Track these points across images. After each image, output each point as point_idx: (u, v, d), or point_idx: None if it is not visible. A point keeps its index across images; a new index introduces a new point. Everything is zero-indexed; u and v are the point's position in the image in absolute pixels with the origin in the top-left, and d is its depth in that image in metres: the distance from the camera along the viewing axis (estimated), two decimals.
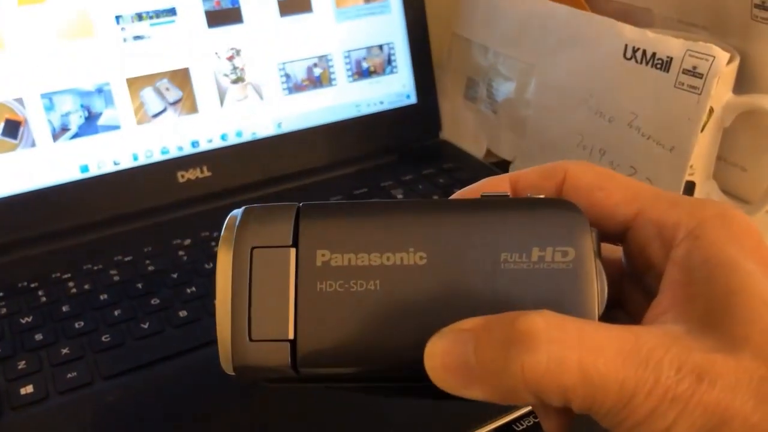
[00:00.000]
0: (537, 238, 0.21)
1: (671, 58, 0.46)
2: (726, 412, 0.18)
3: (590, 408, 0.19)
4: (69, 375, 0.40)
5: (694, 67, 0.44)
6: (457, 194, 0.27)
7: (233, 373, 0.22)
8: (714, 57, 0.44)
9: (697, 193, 0.53)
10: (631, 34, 0.48)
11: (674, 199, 0.23)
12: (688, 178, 0.48)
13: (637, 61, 0.48)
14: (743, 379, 0.18)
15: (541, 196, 0.23)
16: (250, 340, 0.21)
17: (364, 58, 0.63)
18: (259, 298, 0.21)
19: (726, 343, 0.18)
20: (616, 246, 0.25)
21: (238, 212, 0.23)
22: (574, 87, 0.53)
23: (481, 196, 0.24)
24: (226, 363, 0.22)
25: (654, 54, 0.47)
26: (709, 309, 0.20)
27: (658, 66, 0.47)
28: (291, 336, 0.21)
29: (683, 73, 0.45)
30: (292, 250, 0.22)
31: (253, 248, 0.22)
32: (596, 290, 0.21)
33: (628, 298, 0.25)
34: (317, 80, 0.61)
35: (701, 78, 0.44)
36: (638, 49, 0.48)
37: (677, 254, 0.21)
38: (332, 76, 0.62)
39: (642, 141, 0.48)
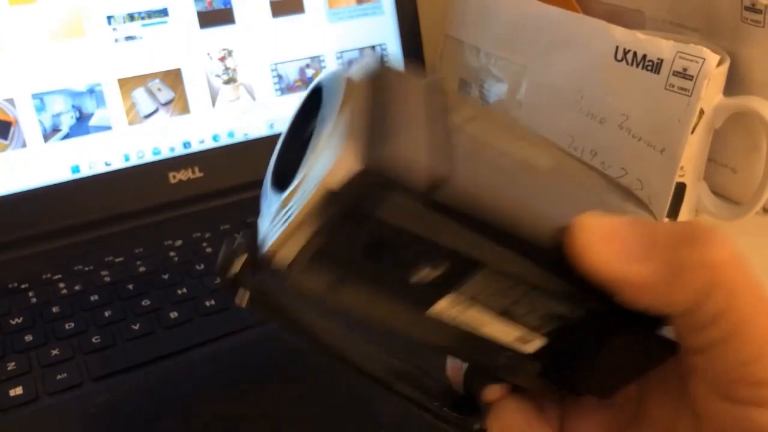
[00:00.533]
0: None
1: (662, 60, 0.46)
2: None
3: (726, 314, 0.18)
4: (59, 376, 0.40)
5: (685, 69, 0.45)
6: None
7: (355, 178, 0.16)
8: (704, 59, 0.44)
9: (688, 194, 0.53)
10: (621, 35, 0.49)
11: None
12: (678, 179, 0.48)
13: (627, 63, 0.48)
14: None
15: None
16: (390, 147, 0.17)
17: (357, 59, 0.63)
18: (408, 120, 0.18)
19: None
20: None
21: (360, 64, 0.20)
22: (566, 88, 0.53)
23: None
24: (350, 161, 0.16)
25: (645, 56, 0.47)
26: None
27: (649, 68, 0.47)
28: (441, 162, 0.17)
29: (673, 74, 0.45)
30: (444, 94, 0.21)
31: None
32: None
33: None
34: (310, 81, 0.61)
35: (691, 80, 0.44)
36: (629, 50, 0.48)
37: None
38: None
39: (633, 142, 0.48)
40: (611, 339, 0.21)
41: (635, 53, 0.47)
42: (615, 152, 0.50)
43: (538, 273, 0.19)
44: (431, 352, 0.22)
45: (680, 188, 0.50)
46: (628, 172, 0.49)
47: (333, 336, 0.23)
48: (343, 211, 0.17)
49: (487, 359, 0.22)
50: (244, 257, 0.19)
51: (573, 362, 0.22)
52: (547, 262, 0.19)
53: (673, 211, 0.52)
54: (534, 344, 0.21)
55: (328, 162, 0.17)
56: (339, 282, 0.19)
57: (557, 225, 0.18)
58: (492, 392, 0.24)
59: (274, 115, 0.60)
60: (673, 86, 0.45)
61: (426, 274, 0.19)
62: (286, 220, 0.18)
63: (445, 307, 0.20)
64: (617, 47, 0.49)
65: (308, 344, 0.22)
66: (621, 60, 0.48)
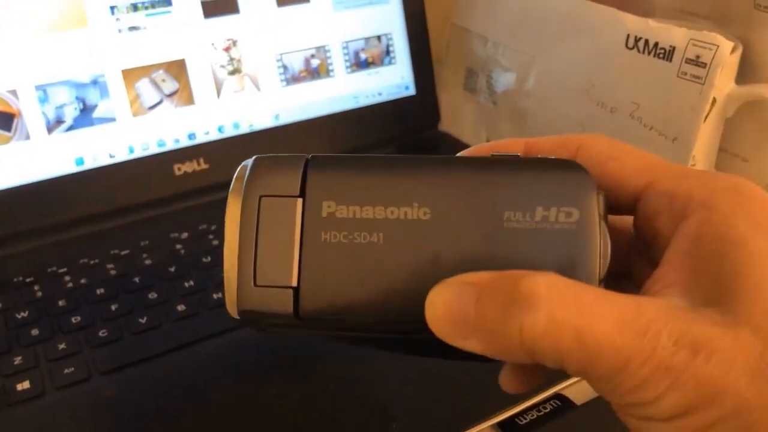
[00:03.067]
0: (541, 197, 0.21)
1: (674, 48, 0.45)
2: (719, 386, 0.18)
3: (585, 372, 0.19)
4: (66, 370, 0.40)
5: (698, 57, 0.44)
6: (469, 150, 0.27)
7: (238, 317, 0.22)
8: (718, 46, 0.43)
9: None
10: (633, 23, 0.48)
11: (687, 172, 0.23)
12: None
13: (639, 51, 0.47)
14: (740, 356, 0.18)
15: (551, 157, 0.23)
16: (255, 285, 0.22)
17: (363, 49, 0.63)
18: (266, 245, 0.22)
19: (727, 319, 0.18)
20: (627, 217, 0.25)
21: (248, 162, 0.23)
22: (575, 77, 0.52)
23: (492, 155, 0.23)
24: (231, 307, 0.22)
25: (656, 43, 0.46)
26: (714, 285, 0.19)
27: (661, 55, 0.46)
28: (294, 283, 0.21)
29: (686, 62, 0.45)
30: (299, 201, 0.22)
31: (261, 197, 0.22)
32: (599, 252, 0.21)
33: (636, 269, 0.25)
34: (315, 71, 0.61)
35: (704, 67, 0.44)
36: (640, 38, 0.47)
37: (687, 226, 0.21)
38: (330, 68, 0.61)
39: (644, 132, 0.48)
40: None
41: (647, 41, 0.47)
42: (626, 141, 0.49)
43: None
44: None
45: None
46: None
47: None
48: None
49: None
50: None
51: None
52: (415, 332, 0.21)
53: None
54: None
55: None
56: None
57: (413, 302, 0.21)
58: None
59: (279, 106, 0.60)
60: (685, 74, 0.45)
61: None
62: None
63: None
64: (628, 35, 0.48)
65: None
66: (632, 48, 0.48)
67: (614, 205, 0.24)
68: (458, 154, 0.26)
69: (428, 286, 0.20)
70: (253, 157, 0.23)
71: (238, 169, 0.23)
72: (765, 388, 0.18)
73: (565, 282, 0.19)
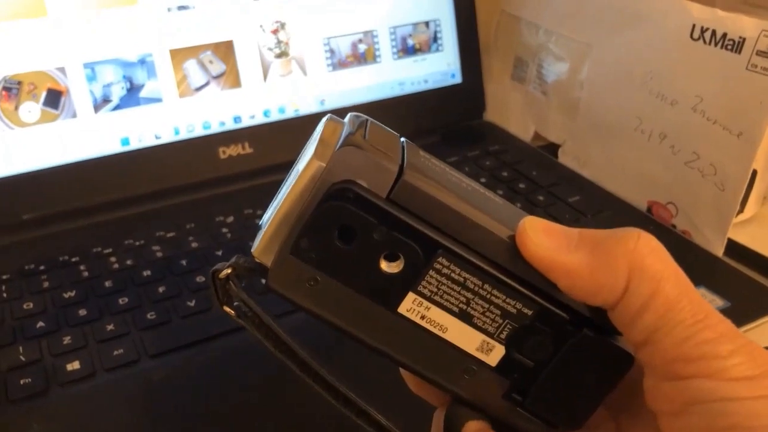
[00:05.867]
0: None
1: (744, 39, 0.44)
2: None
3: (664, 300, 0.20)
4: (115, 352, 0.39)
5: None
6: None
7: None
8: None
9: (758, 180, 0.51)
10: (699, 13, 0.46)
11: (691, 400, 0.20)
12: None
13: (705, 42, 0.46)
14: None
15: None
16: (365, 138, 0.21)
17: (410, 35, 0.61)
18: None
19: None
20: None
21: (342, 130, 0.22)
22: (633, 68, 0.51)
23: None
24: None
25: (725, 34, 0.44)
26: None
27: (729, 47, 0.44)
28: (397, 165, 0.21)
29: (757, 54, 0.43)
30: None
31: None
32: None
33: None
34: (362, 57, 0.60)
35: None
36: (707, 29, 0.45)
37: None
38: (377, 53, 0.60)
39: (707, 125, 0.46)
40: (565, 346, 0.22)
41: (714, 31, 0.45)
42: (687, 136, 0.48)
43: (489, 264, 0.21)
44: (402, 366, 0.23)
45: (751, 174, 0.48)
46: (700, 157, 0.47)
47: None
48: (317, 201, 0.20)
49: (455, 375, 0.23)
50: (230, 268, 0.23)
51: (536, 378, 0.23)
52: (499, 253, 0.21)
53: (743, 198, 0.49)
54: (496, 353, 0.22)
55: (302, 165, 0.21)
56: (317, 280, 0.21)
57: (503, 226, 0.21)
58: (472, 427, 0.23)
59: (325, 91, 0.59)
60: (755, 66, 0.43)
61: (391, 266, 0.21)
62: (267, 223, 0.22)
63: (410, 306, 0.22)
64: (694, 25, 0.46)
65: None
66: (698, 39, 0.46)
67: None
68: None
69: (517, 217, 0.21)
70: (345, 135, 0.21)
71: (324, 126, 0.22)
72: None
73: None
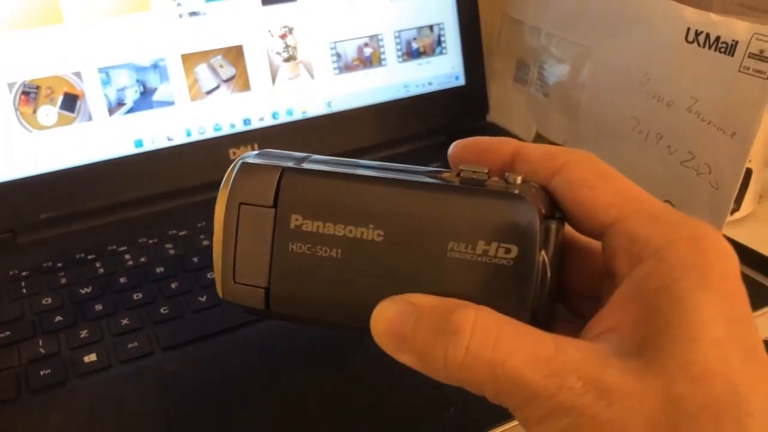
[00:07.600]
0: (484, 232, 0.23)
1: (736, 42, 0.45)
2: (614, 431, 0.19)
3: (501, 401, 0.21)
4: (130, 345, 0.41)
5: (761, 51, 0.44)
6: (458, 145, 0.27)
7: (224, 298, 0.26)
8: None
9: (753, 179, 0.52)
10: (693, 16, 0.47)
11: (655, 214, 0.23)
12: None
13: (699, 45, 0.47)
14: (643, 406, 0.19)
15: (500, 188, 0.23)
16: (234, 282, 0.25)
17: (414, 38, 0.63)
18: (243, 248, 0.25)
19: (644, 370, 0.19)
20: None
21: (236, 164, 0.25)
22: (631, 70, 0.52)
23: (459, 169, 0.24)
24: (219, 292, 0.26)
25: (718, 37, 0.46)
26: (647, 336, 0.20)
27: (722, 50, 0.46)
28: (265, 284, 0.25)
29: (749, 57, 0.44)
30: (272, 211, 0.25)
31: (240, 204, 0.25)
32: (533, 289, 0.22)
33: (605, 293, 0.25)
34: (368, 60, 0.61)
35: None
36: (701, 32, 0.47)
37: (637, 272, 0.22)
38: (382, 56, 0.62)
39: (702, 126, 0.48)
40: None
41: (708, 35, 0.46)
42: (682, 136, 0.49)
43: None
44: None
45: (746, 174, 0.50)
46: (695, 156, 0.49)
47: None
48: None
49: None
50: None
51: None
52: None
53: (738, 197, 0.51)
54: None
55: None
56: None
57: (363, 312, 0.23)
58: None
59: (332, 93, 0.60)
60: (748, 69, 0.44)
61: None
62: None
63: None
64: (688, 28, 0.47)
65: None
66: (692, 42, 0.47)
67: (586, 232, 0.24)
68: (454, 143, 0.27)
69: (377, 299, 0.23)
70: (240, 161, 0.25)
71: (228, 170, 0.26)
72: None
73: (494, 317, 0.21)
